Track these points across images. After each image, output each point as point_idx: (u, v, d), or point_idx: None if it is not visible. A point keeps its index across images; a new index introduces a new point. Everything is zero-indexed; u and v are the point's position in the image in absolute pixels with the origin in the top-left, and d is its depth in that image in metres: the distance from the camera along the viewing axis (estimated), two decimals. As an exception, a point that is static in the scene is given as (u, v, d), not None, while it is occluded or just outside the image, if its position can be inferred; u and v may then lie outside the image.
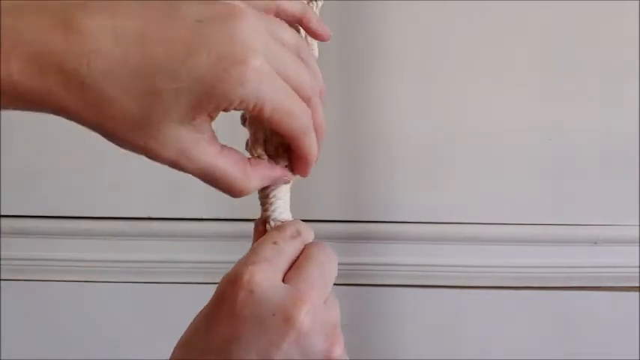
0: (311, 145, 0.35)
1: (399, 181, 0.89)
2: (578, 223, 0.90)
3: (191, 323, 0.34)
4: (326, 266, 0.34)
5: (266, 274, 0.32)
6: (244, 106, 0.31)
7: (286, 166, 0.38)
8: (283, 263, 0.33)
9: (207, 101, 0.30)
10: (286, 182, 0.38)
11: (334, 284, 0.35)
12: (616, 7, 0.84)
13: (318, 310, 0.32)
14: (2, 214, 0.90)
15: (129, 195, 0.90)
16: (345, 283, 0.89)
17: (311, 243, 0.36)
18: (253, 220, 0.39)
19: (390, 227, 0.90)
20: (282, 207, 0.39)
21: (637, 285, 0.92)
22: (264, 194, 0.39)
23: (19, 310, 0.93)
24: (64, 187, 0.90)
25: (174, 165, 0.32)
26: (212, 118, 0.32)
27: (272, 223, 0.38)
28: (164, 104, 0.30)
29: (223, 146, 0.34)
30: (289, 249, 0.34)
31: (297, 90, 0.33)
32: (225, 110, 0.32)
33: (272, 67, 0.31)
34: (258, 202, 0.40)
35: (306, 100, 0.34)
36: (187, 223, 0.91)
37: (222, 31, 0.30)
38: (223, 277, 0.33)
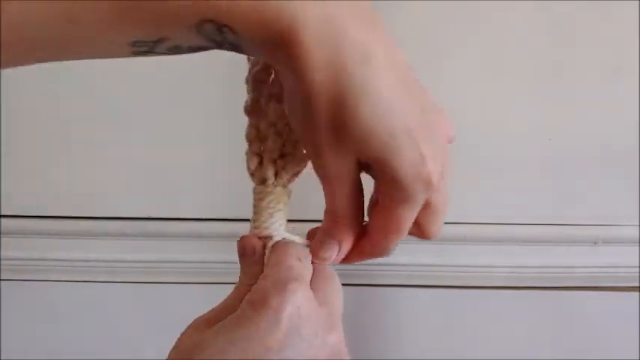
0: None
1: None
2: (578, 223, 0.90)
3: (213, 317, 0.34)
4: (339, 290, 0.38)
5: (308, 293, 0.33)
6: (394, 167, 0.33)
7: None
8: (309, 281, 0.35)
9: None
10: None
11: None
12: (616, 7, 0.84)
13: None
14: (2, 214, 0.90)
15: (129, 195, 0.90)
16: (344, 283, 0.88)
17: (319, 265, 0.37)
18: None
19: (389, 227, 0.90)
20: (282, 222, 0.37)
21: (637, 285, 0.92)
22: (262, 210, 0.37)
23: (19, 310, 0.93)
24: (64, 187, 0.90)
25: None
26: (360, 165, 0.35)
27: (276, 240, 0.37)
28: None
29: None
30: (309, 267, 0.36)
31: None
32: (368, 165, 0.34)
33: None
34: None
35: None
36: (187, 223, 0.91)
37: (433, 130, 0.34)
38: (264, 284, 0.33)
